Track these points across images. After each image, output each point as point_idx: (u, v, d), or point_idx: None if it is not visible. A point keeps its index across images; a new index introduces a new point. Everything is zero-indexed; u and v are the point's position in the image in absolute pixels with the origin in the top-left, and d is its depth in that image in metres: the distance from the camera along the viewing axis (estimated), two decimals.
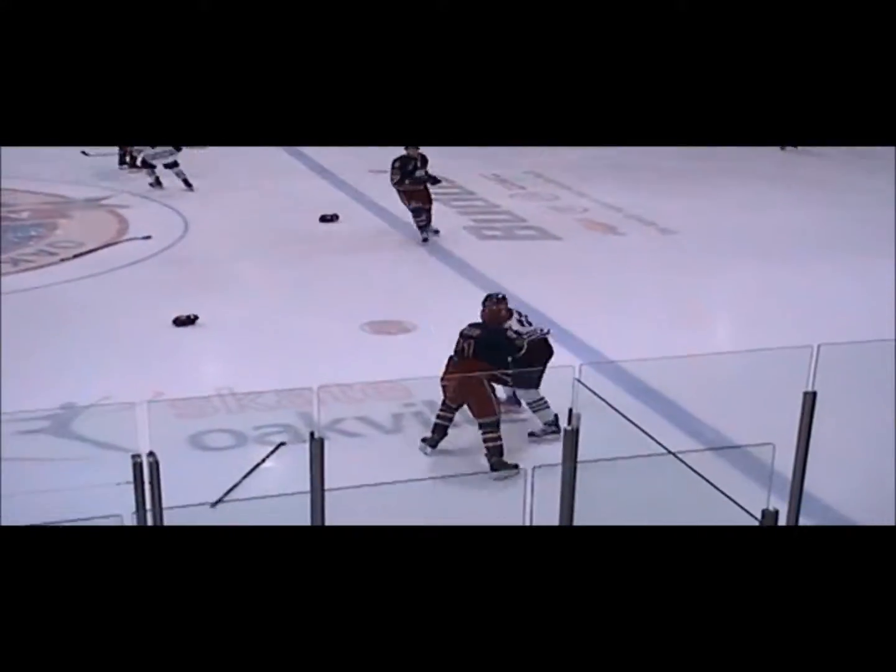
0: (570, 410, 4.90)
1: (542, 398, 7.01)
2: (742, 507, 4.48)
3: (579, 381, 6.27)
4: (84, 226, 12.85)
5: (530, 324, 7.22)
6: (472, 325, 6.93)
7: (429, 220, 12.25)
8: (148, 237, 12.11)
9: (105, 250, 11.70)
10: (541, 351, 7.14)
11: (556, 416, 6.91)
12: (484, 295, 7.32)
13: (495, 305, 7.09)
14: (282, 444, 6.80)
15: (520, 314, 7.25)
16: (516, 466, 6.39)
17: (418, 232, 12.20)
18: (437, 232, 12.41)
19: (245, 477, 6.30)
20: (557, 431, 6.70)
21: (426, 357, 8.33)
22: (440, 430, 6.84)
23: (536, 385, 7.04)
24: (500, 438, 6.62)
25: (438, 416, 6.87)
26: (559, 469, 4.56)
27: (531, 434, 7.06)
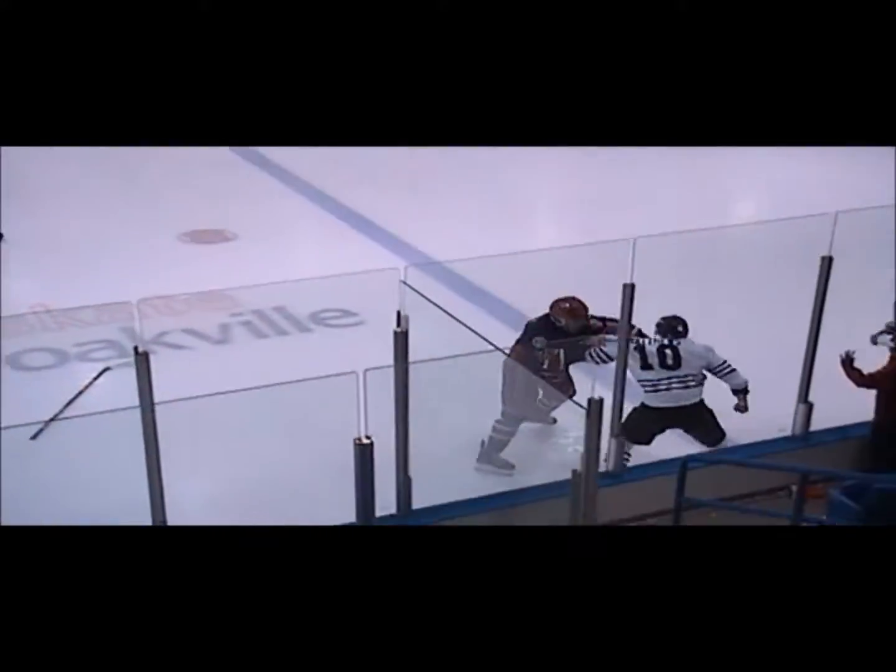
0: (399, 312, 4.95)
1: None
2: (569, 398, 4.65)
3: (405, 282, 6.32)
4: None
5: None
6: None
7: None
8: None
9: None
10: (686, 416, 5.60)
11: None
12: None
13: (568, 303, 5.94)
14: (107, 369, 6.58)
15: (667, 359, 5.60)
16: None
17: None
18: None
19: (67, 405, 6.08)
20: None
21: (249, 266, 8.23)
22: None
23: (646, 441, 5.65)
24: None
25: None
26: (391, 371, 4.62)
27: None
